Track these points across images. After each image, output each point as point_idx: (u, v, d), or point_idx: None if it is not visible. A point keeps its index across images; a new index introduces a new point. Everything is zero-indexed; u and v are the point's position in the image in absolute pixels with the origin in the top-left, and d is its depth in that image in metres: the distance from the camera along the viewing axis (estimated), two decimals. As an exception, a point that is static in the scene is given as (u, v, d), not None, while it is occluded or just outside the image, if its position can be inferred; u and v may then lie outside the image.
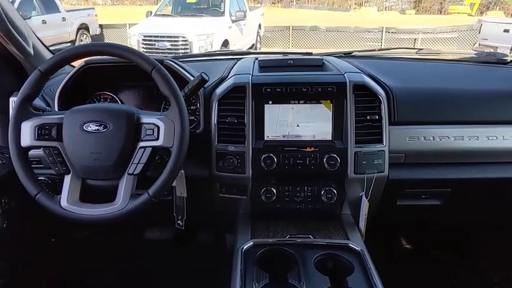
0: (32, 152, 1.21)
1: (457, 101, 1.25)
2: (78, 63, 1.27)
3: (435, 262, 1.74)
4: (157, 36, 7.17)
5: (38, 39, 1.42)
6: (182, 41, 7.08)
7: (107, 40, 11.25)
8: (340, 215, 1.27)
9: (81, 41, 10.04)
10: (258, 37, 9.68)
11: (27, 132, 0.98)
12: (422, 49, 1.69)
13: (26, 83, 1.00)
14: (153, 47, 7.08)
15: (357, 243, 1.10)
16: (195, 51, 6.97)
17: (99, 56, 1.16)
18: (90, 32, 10.52)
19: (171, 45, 7.11)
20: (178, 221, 1.25)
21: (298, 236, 1.14)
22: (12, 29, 1.17)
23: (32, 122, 0.99)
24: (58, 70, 1.07)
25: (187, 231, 1.93)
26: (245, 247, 1.09)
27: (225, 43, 7.47)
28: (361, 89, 1.17)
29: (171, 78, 0.99)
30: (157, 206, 1.35)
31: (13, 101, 1.28)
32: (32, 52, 1.31)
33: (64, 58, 1.01)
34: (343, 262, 1.06)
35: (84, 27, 10.20)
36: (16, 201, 1.31)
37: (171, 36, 7.14)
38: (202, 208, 1.38)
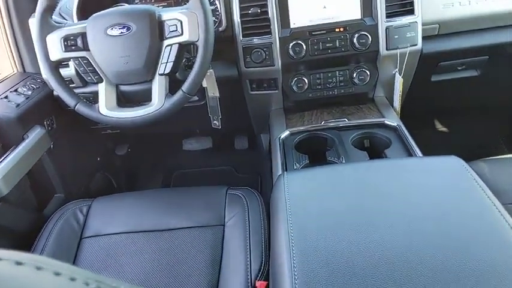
0: (62, 73, 1.23)
1: None
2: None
3: (472, 135, 1.75)
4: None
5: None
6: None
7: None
8: (374, 98, 1.26)
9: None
10: None
11: (54, 45, 0.99)
12: None
13: None
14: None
15: (392, 120, 1.10)
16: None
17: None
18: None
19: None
20: (215, 121, 1.27)
21: (333, 121, 1.16)
22: None
23: (57, 34, 0.98)
24: None
25: (223, 140, 1.99)
26: (282, 136, 1.12)
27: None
28: None
29: None
30: (192, 115, 1.38)
31: (33, 21, 1.27)
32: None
33: None
34: (380, 138, 1.07)
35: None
36: (59, 123, 1.37)
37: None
38: (235, 110, 1.40)
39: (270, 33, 1.14)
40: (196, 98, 1.34)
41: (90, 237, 1.03)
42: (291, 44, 1.13)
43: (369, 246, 0.54)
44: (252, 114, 1.45)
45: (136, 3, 1.36)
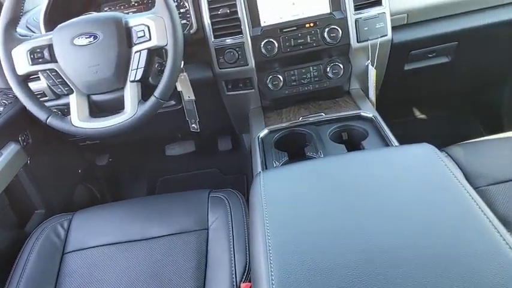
0: (34, 86, 1.21)
1: None
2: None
3: (451, 120, 1.78)
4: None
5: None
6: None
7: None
8: (349, 90, 1.27)
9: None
10: None
11: (20, 59, 0.96)
12: None
13: (3, 7, 0.96)
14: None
15: (368, 111, 1.11)
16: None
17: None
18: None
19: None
20: (193, 125, 1.26)
21: (310, 116, 1.16)
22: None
23: (22, 47, 0.96)
24: None
25: (206, 142, 1.98)
26: (261, 135, 1.12)
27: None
28: None
29: None
30: (171, 119, 1.36)
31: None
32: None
33: None
34: (357, 130, 1.08)
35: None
36: (35, 137, 1.34)
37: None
38: (215, 112, 1.39)
39: (241, 33, 1.14)
40: (173, 102, 1.33)
41: (73, 251, 1.02)
42: (263, 43, 1.13)
43: (346, 241, 0.54)
44: (231, 115, 1.45)
45: (106, 11, 1.35)
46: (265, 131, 1.14)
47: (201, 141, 1.99)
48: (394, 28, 1.15)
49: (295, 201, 0.63)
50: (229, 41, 1.15)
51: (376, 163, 0.67)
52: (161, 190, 1.94)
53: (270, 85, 1.20)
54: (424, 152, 0.66)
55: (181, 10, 1.25)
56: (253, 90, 1.25)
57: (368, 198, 0.59)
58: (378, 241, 0.52)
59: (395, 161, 0.66)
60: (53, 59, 0.97)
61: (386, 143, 0.97)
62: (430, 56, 1.25)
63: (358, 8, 1.10)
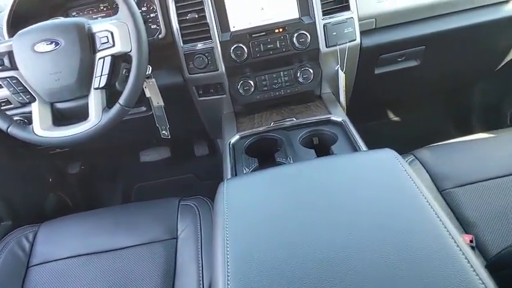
0: (-3, 94, 1.17)
1: None
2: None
3: (423, 123, 1.81)
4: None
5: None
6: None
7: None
8: (321, 95, 1.27)
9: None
10: None
11: None
12: None
13: None
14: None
15: (338, 116, 1.11)
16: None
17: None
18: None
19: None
20: (163, 131, 1.24)
21: (282, 121, 1.15)
22: None
23: None
24: None
25: (182, 147, 1.96)
26: (232, 140, 1.11)
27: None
28: None
29: None
30: (143, 125, 1.34)
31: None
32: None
33: None
34: (327, 135, 1.08)
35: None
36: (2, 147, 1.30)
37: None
38: (188, 117, 1.37)
39: (210, 38, 1.12)
40: (143, 108, 1.30)
41: (38, 265, 0.99)
42: (232, 48, 1.12)
43: (305, 250, 0.53)
44: (204, 120, 1.43)
45: (74, 16, 1.32)
46: (236, 137, 1.13)
47: (176, 147, 1.96)
48: (362, 33, 1.16)
49: (257, 210, 0.62)
50: (198, 46, 1.14)
51: (339, 169, 0.66)
52: (137, 197, 1.90)
53: (241, 90, 1.20)
54: (385, 157, 0.66)
55: (151, 15, 1.23)
56: (224, 95, 1.24)
57: (326, 205, 0.59)
58: (336, 249, 0.52)
59: (358, 167, 0.66)
60: (14, 67, 0.94)
61: (354, 148, 0.97)
62: (399, 59, 1.26)
63: (326, 13, 1.11)
